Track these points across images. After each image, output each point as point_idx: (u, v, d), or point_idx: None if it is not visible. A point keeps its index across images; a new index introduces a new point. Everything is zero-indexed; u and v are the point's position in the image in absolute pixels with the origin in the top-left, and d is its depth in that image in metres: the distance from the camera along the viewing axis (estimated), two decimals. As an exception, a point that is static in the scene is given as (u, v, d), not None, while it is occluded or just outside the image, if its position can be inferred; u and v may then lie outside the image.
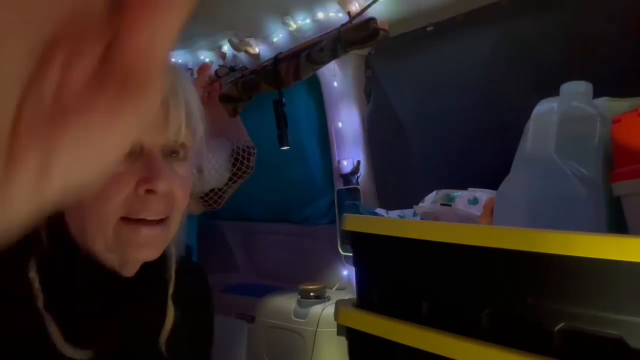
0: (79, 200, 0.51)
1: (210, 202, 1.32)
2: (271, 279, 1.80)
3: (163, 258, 0.61)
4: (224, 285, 1.86)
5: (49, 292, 0.50)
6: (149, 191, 0.52)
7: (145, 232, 0.52)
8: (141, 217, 0.52)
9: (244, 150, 1.32)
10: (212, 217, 1.91)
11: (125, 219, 0.52)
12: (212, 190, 1.31)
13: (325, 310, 1.35)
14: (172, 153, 0.55)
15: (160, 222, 0.54)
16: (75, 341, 0.50)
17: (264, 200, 1.75)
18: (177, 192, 0.55)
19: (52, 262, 0.52)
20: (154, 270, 0.59)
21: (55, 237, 0.53)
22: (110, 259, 0.54)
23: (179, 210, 0.56)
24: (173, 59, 1.50)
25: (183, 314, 0.62)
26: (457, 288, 0.60)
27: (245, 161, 1.32)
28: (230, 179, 1.32)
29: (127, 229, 0.52)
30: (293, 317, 1.44)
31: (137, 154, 0.52)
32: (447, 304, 0.61)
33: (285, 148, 1.30)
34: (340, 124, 1.41)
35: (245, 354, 1.60)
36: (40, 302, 0.50)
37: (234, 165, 1.32)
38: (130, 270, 0.57)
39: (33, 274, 0.50)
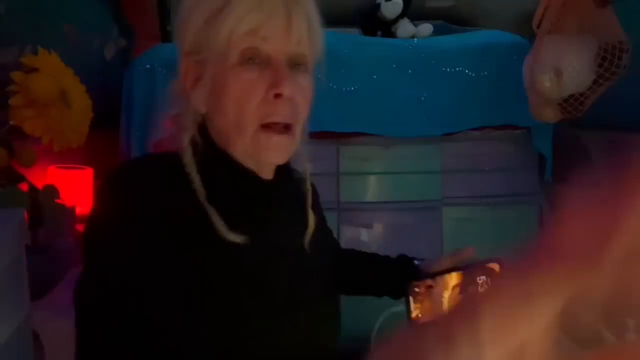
0: (221, 107, 0.60)
1: (570, 108, 1.21)
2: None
3: (296, 173, 0.70)
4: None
5: (208, 189, 0.58)
6: (277, 95, 0.58)
7: (275, 138, 0.60)
8: (272, 120, 0.59)
9: (613, 47, 1.12)
10: (571, 126, 1.74)
11: (259, 127, 0.59)
12: (571, 96, 1.19)
13: None
14: (295, 65, 0.60)
15: (286, 130, 0.60)
16: (233, 228, 0.57)
17: (637, 106, 1.46)
18: (299, 99, 0.61)
19: (207, 165, 0.60)
20: (290, 179, 0.68)
21: (204, 144, 0.61)
22: (249, 162, 0.62)
23: (302, 118, 0.62)
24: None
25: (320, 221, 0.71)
26: None
27: (615, 60, 1.12)
28: (594, 82, 1.16)
29: (262, 136, 0.59)
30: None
31: (266, 63, 0.59)
32: None
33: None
34: None
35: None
36: (202, 197, 0.57)
37: (600, 65, 1.15)
38: (267, 173, 0.64)
39: (194, 174, 0.58)
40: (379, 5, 1.76)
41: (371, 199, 1.61)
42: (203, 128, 0.63)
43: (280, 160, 0.63)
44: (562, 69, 1.14)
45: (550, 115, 1.28)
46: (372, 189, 1.63)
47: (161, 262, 0.54)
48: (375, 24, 1.81)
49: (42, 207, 0.87)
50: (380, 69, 1.56)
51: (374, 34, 1.80)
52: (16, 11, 0.92)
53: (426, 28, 1.78)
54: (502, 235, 1.67)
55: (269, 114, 0.59)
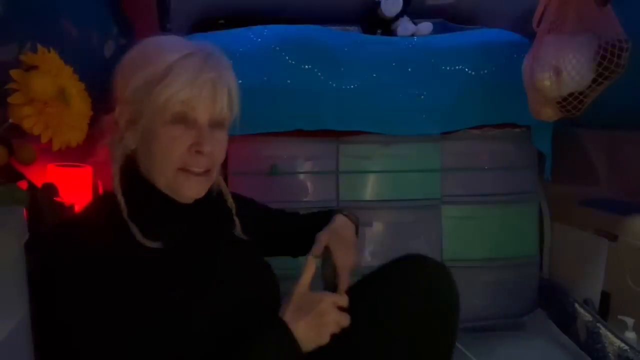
0: (149, 151, 0.75)
1: (569, 107, 1.21)
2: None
3: (215, 192, 0.88)
4: (581, 198, 1.72)
5: (130, 208, 0.74)
6: (198, 152, 0.75)
7: (194, 179, 0.77)
8: (191, 169, 0.76)
9: (613, 46, 1.11)
10: (570, 124, 1.74)
11: (180, 169, 0.75)
12: (571, 94, 1.19)
13: None
14: (216, 124, 0.77)
15: (205, 172, 0.78)
16: (149, 236, 0.74)
17: (636, 106, 1.46)
18: (217, 153, 0.79)
19: (132, 189, 0.76)
20: (209, 200, 0.85)
21: (130, 173, 0.77)
22: (169, 192, 0.78)
23: (218, 164, 0.81)
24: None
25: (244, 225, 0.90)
26: None
27: (615, 58, 1.12)
28: (594, 81, 1.16)
29: (181, 176, 0.76)
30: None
31: (192, 124, 0.75)
32: None
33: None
34: None
35: (603, 272, 1.48)
36: (125, 214, 0.74)
37: (599, 64, 1.15)
38: (184, 201, 0.80)
39: (120, 196, 0.75)
40: (378, 3, 1.75)
41: (370, 198, 1.61)
42: (131, 159, 0.78)
43: (197, 196, 0.80)
44: (562, 67, 1.14)
45: (550, 113, 1.28)
46: (372, 188, 1.63)
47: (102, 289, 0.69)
48: (374, 22, 1.81)
49: (41, 205, 0.87)
50: (380, 68, 1.56)
51: (373, 33, 1.80)
52: (15, 9, 0.92)
53: (426, 26, 1.77)
54: (502, 234, 1.67)
55: (190, 164, 0.76)
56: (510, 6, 1.82)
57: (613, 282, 1.45)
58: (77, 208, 1.31)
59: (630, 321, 1.28)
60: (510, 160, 1.72)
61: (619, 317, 1.32)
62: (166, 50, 0.75)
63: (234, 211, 0.91)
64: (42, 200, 0.87)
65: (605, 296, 1.48)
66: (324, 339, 0.75)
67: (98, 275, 0.69)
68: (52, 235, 0.75)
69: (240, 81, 1.60)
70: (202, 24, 1.80)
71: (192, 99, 0.73)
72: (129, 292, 0.69)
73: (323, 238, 0.94)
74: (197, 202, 0.81)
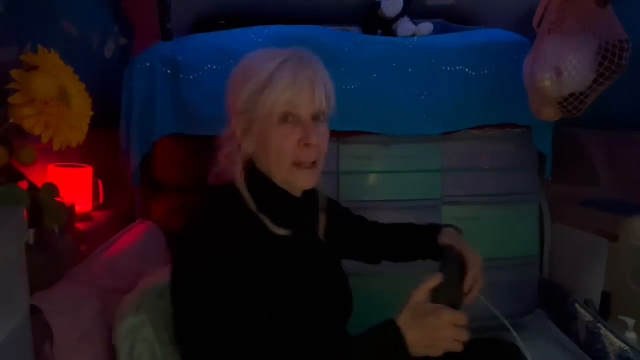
0: (265, 151, 0.86)
1: (570, 107, 1.21)
2: (642, 198, 1.54)
3: (314, 192, 0.96)
4: (581, 198, 1.72)
5: (256, 201, 0.85)
6: (306, 144, 0.85)
7: (306, 171, 0.87)
8: (302, 161, 0.86)
9: (613, 46, 1.12)
10: (570, 125, 1.74)
11: (294, 164, 0.85)
12: (571, 95, 1.19)
13: None
14: (317, 118, 0.87)
15: (313, 164, 0.87)
16: (279, 224, 0.85)
17: (637, 106, 1.46)
18: (322, 144, 0.88)
19: (255, 187, 0.86)
20: (312, 194, 0.95)
21: (251, 173, 0.87)
22: (285, 187, 0.89)
23: (323, 155, 0.89)
24: None
25: (331, 222, 1.00)
26: None
27: (615, 59, 1.12)
28: (594, 81, 1.16)
29: (296, 170, 0.86)
30: (671, 243, 1.21)
31: (297, 121, 0.85)
32: None
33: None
34: None
35: (603, 272, 1.47)
36: (253, 207, 0.85)
37: (600, 64, 1.15)
38: (297, 193, 0.91)
39: (246, 193, 0.85)
40: (379, 3, 1.75)
41: (371, 198, 1.61)
42: (251, 162, 0.89)
43: (309, 186, 0.91)
44: (562, 67, 1.14)
45: (551, 114, 1.28)
46: (372, 188, 1.63)
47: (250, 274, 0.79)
48: (375, 23, 1.81)
49: (42, 205, 0.87)
50: (380, 68, 1.56)
51: (374, 33, 1.80)
52: (16, 9, 0.92)
53: (426, 26, 1.77)
54: (502, 234, 1.67)
55: (301, 157, 0.86)
56: (510, 6, 1.82)
57: (613, 282, 1.45)
58: (78, 208, 1.31)
59: (630, 321, 1.28)
60: (510, 160, 1.72)
61: (619, 317, 1.32)
62: (264, 61, 0.85)
63: (320, 209, 1.00)
64: (42, 200, 0.87)
65: (605, 296, 1.48)
66: (436, 352, 0.77)
67: (240, 257, 0.79)
68: (200, 227, 0.83)
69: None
70: (203, 24, 1.80)
71: (293, 98, 0.83)
72: (262, 271, 0.80)
73: (456, 243, 0.97)
74: (303, 194, 0.92)
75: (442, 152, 1.65)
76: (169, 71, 1.52)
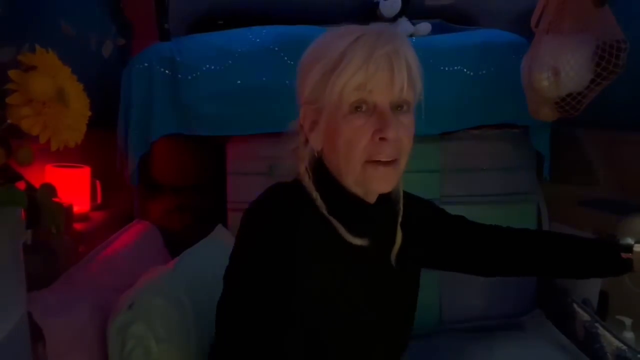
0: (334, 147, 0.71)
1: (567, 107, 1.21)
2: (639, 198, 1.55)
3: (394, 193, 0.79)
4: (580, 198, 1.72)
5: (328, 204, 0.72)
6: (382, 139, 0.69)
7: (382, 169, 0.70)
8: (377, 159, 0.70)
9: (611, 46, 1.12)
10: (568, 124, 1.74)
11: (368, 161, 0.70)
12: (569, 95, 1.19)
13: None
14: (398, 107, 0.71)
15: (392, 162, 0.71)
16: (354, 233, 0.72)
17: (637, 105, 1.46)
18: (404, 139, 0.71)
19: (323, 188, 0.73)
20: (388, 200, 0.78)
21: (320, 173, 0.74)
22: (358, 190, 0.74)
23: (406, 153, 0.73)
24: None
25: (409, 236, 0.81)
26: None
27: (613, 59, 1.12)
28: (592, 81, 1.16)
29: (369, 168, 0.70)
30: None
31: (372, 111, 0.69)
32: None
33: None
34: None
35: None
36: (324, 210, 0.72)
37: (597, 64, 1.15)
38: (371, 199, 0.76)
39: (314, 193, 0.72)
40: (377, 3, 1.75)
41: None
42: (319, 160, 0.75)
43: (386, 189, 0.74)
44: (560, 68, 1.15)
45: (548, 114, 1.28)
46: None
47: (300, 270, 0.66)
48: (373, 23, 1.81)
49: (40, 205, 0.87)
50: (379, 68, 1.56)
51: (372, 33, 1.80)
52: (14, 9, 0.91)
53: (424, 27, 1.77)
54: (500, 234, 1.68)
55: (375, 154, 0.70)
56: (508, 6, 1.83)
57: (611, 282, 1.46)
58: (76, 209, 1.31)
59: (628, 321, 1.28)
60: (509, 160, 1.72)
61: (617, 317, 1.32)
62: (336, 39, 0.70)
63: (398, 221, 0.82)
64: (40, 201, 0.87)
65: (603, 296, 1.48)
66: None
67: (305, 256, 0.68)
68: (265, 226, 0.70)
69: (239, 81, 1.59)
70: (201, 25, 1.80)
71: (367, 82, 0.68)
72: (319, 280, 0.69)
73: None
74: (380, 201, 0.77)
75: (441, 152, 1.65)
76: (167, 71, 1.52)
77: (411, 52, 0.72)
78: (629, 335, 1.28)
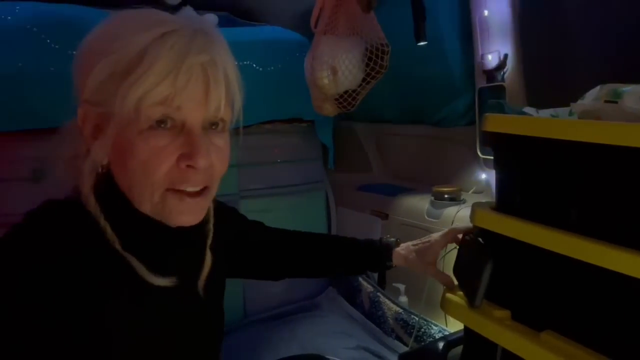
0: (126, 167, 0.54)
1: (345, 103, 1.33)
2: (404, 181, 1.82)
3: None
4: (359, 184, 1.93)
5: (122, 237, 0.56)
6: (190, 166, 0.54)
7: (188, 200, 0.56)
8: (182, 188, 0.55)
9: (377, 49, 1.26)
10: (347, 119, 1.93)
11: (170, 190, 0.55)
12: (346, 92, 1.31)
13: (461, 212, 1.33)
14: (211, 125, 0.58)
15: (201, 192, 0.57)
16: (157, 271, 0.58)
17: (398, 101, 1.71)
18: (216, 165, 0.58)
19: (114, 213, 0.56)
20: (198, 227, 0.62)
21: (110, 190, 0.57)
22: (158, 218, 0.57)
23: (218, 179, 0.60)
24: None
25: (218, 257, 0.70)
26: (619, 196, 0.53)
27: (379, 60, 1.27)
28: (364, 80, 1.30)
29: (172, 198, 0.56)
30: (426, 216, 1.46)
31: (178, 128, 0.55)
32: (602, 212, 0.55)
33: (422, 43, 1.22)
34: (485, 12, 1.27)
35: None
36: (117, 245, 0.56)
37: (367, 65, 1.28)
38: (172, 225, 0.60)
39: (103, 222, 0.55)
40: (158, -11, 1.63)
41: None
42: (106, 176, 0.57)
43: (192, 222, 0.58)
44: (337, 67, 1.24)
45: (330, 109, 1.38)
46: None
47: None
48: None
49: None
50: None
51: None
52: None
53: (211, 18, 1.73)
54: (296, 221, 1.77)
55: (180, 182, 0.55)
56: (291, 6, 1.92)
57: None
58: None
59: (402, 287, 1.50)
60: (299, 152, 1.82)
61: (393, 284, 1.52)
62: (135, 30, 0.53)
63: (208, 243, 0.69)
64: None
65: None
66: None
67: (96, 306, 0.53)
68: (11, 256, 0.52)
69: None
70: None
71: (175, 95, 0.52)
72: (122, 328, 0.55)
73: None
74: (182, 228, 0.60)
75: (237, 147, 1.64)
76: None
77: (231, 61, 0.58)
78: (403, 299, 1.49)
